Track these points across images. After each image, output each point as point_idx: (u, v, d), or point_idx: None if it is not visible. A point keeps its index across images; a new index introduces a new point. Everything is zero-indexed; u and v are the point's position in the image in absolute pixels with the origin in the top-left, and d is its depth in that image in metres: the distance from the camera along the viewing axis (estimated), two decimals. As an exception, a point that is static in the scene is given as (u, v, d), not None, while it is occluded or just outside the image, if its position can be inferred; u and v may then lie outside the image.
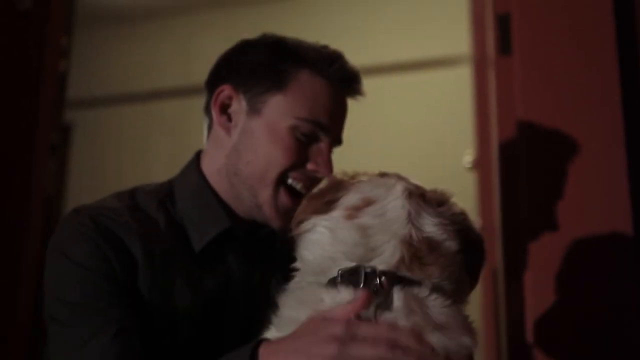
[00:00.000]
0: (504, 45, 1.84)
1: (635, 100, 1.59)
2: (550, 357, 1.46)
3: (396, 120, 3.81)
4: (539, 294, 1.51)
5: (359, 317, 0.94)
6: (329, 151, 1.24)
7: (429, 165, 3.59)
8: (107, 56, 4.51)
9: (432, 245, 1.00)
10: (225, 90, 1.25)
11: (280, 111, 1.21)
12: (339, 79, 1.26)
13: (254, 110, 1.23)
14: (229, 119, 1.25)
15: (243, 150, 1.23)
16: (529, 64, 1.64)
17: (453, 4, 3.59)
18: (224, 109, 1.26)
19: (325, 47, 1.30)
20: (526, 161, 1.60)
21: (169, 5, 4.44)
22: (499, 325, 2.03)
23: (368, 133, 3.67)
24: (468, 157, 2.66)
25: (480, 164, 2.45)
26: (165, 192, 1.27)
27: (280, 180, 1.21)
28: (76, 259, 1.12)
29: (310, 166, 1.22)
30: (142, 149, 4.37)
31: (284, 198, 1.21)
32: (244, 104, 1.24)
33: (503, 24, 1.85)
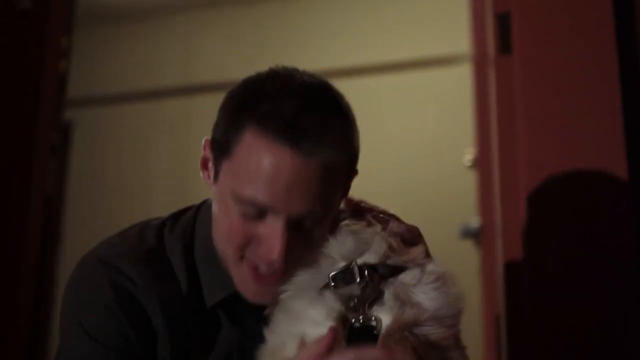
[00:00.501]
0: (504, 44, 1.84)
1: (635, 98, 1.59)
2: (549, 355, 1.46)
3: (396, 119, 3.81)
4: (538, 293, 1.51)
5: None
6: (281, 235, 0.99)
7: (428, 164, 3.60)
8: (107, 55, 4.51)
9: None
10: (206, 144, 1.11)
11: (228, 181, 1.03)
12: (294, 138, 0.97)
13: (215, 177, 1.07)
14: (209, 176, 1.10)
15: (215, 219, 1.11)
16: (529, 63, 1.64)
17: (453, 3, 3.59)
18: (204, 162, 1.11)
19: (293, 88, 1.03)
20: (526, 160, 1.60)
21: (169, 4, 4.43)
22: (499, 326, 2.03)
23: (367, 132, 3.66)
24: (468, 156, 2.66)
25: (480, 163, 2.45)
26: (190, 236, 1.16)
27: (240, 256, 1.05)
28: (94, 334, 1.07)
29: (261, 252, 1.02)
30: (143, 148, 4.37)
31: (247, 275, 1.06)
32: (212, 167, 1.09)
33: (503, 23, 1.85)
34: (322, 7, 4.17)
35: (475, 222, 2.52)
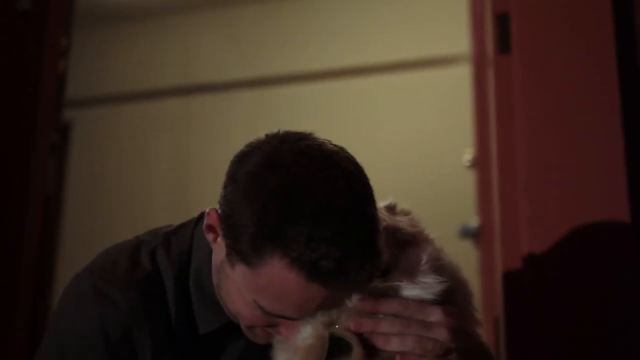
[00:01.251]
0: (503, 44, 1.84)
1: (634, 98, 1.59)
2: (548, 357, 1.46)
3: (395, 119, 3.81)
4: (537, 293, 1.51)
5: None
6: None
7: (428, 163, 3.60)
8: (106, 55, 4.52)
9: None
10: (212, 218, 1.06)
11: (245, 284, 1.01)
12: (326, 280, 0.95)
13: (228, 259, 1.03)
14: (215, 240, 1.07)
15: (222, 280, 1.08)
16: (528, 62, 1.64)
17: (452, 3, 3.59)
18: (212, 228, 1.07)
19: (332, 219, 0.95)
20: (525, 160, 1.60)
21: (169, 4, 4.43)
22: (498, 327, 2.04)
23: (366, 132, 3.67)
24: (467, 155, 2.66)
25: (479, 163, 2.45)
26: (186, 261, 1.15)
27: (250, 327, 1.08)
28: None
29: (282, 331, 1.04)
30: (142, 148, 4.38)
31: (260, 334, 1.09)
32: (224, 245, 1.04)
33: (502, 23, 1.85)
34: (321, 7, 4.17)
35: (474, 222, 2.52)
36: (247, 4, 4.28)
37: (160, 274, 1.13)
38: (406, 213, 1.16)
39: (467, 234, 2.54)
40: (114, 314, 1.07)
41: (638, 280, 1.46)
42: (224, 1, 4.36)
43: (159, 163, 4.29)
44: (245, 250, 0.98)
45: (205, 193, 4.33)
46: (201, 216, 1.19)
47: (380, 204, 1.11)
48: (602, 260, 1.49)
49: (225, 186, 1.05)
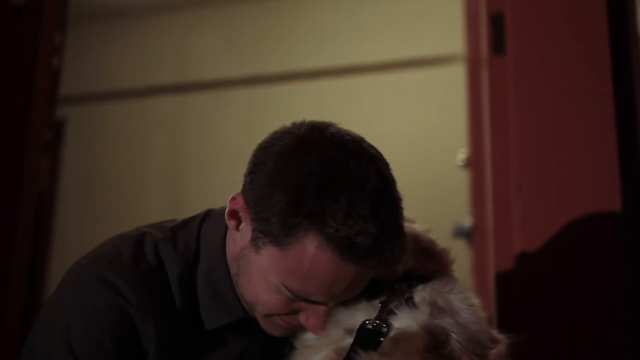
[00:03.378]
0: (497, 44, 1.84)
1: (627, 98, 1.60)
2: (540, 353, 1.47)
3: (388, 119, 3.81)
4: (529, 293, 1.51)
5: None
6: (325, 313, 1.05)
7: (422, 163, 3.60)
8: (101, 52, 4.50)
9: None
10: (238, 203, 1.06)
11: (273, 266, 1.02)
12: (361, 258, 0.98)
13: (254, 244, 1.04)
14: (237, 227, 1.08)
15: (242, 267, 1.08)
16: (522, 63, 1.65)
17: (447, 3, 3.60)
18: (235, 214, 1.08)
19: (368, 198, 0.98)
20: (519, 160, 1.60)
21: (164, 2, 4.43)
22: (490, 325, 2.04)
23: (361, 131, 3.65)
24: (461, 155, 2.66)
25: (473, 163, 2.46)
26: (193, 256, 1.14)
27: (269, 315, 1.09)
28: (76, 351, 1.04)
29: (301, 319, 1.06)
30: (137, 146, 4.36)
31: (277, 323, 1.10)
32: (249, 230, 1.05)
33: (496, 23, 1.86)
34: (316, 6, 4.17)
35: (467, 221, 2.52)
36: (242, 2, 4.28)
37: (164, 267, 1.12)
38: (412, 221, 1.17)
39: (461, 233, 2.55)
40: (120, 301, 1.06)
41: (628, 280, 1.47)
42: (219, 0, 4.35)
43: (153, 160, 4.28)
44: (276, 230, 0.99)
45: (200, 190, 4.33)
46: (207, 213, 1.19)
47: None
48: (593, 260, 1.50)
49: (251, 172, 1.07)
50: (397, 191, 1.05)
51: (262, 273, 1.04)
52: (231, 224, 1.08)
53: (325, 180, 0.98)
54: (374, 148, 1.07)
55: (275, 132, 1.08)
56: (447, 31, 3.57)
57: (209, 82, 4.25)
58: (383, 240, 0.98)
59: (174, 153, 4.28)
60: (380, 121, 3.71)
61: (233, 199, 1.07)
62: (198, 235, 1.16)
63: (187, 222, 1.19)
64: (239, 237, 1.08)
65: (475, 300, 1.09)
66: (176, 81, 4.33)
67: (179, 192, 4.09)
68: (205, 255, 1.13)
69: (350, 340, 1.02)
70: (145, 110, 4.41)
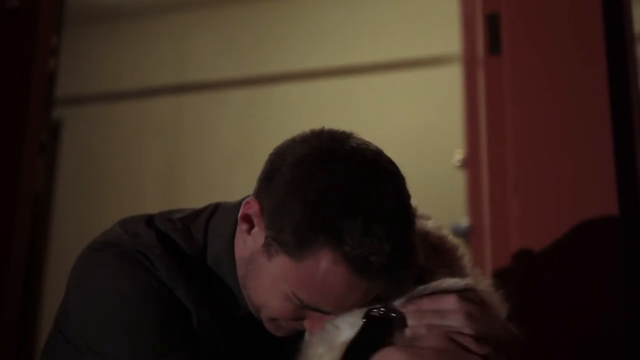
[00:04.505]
0: (493, 44, 1.85)
1: (623, 99, 1.60)
2: (535, 349, 1.47)
3: (386, 119, 3.82)
4: (526, 294, 1.51)
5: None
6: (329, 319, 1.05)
7: (418, 164, 3.59)
8: (98, 53, 4.50)
9: None
10: (253, 208, 1.05)
11: (284, 275, 1.01)
12: (375, 276, 0.98)
13: (266, 250, 1.03)
14: (248, 231, 1.07)
15: (251, 271, 1.07)
16: (518, 63, 1.65)
17: (442, 3, 3.60)
18: (248, 218, 1.07)
19: (385, 216, 0.98)
20: (515, 160, 1.60)
21: (161, 3, 4.42)
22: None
23: (358, 131, 3.65)
24: (457, 156, 2.67)
25: (469, 163, 2.46)
26: (200, 253, 1.13)
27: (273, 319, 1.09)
28: (145, 309, 1.03)
29: (306, 325, 1.06)
30: (134, 148, 4.36)
31: (281, 326, 1.09)
32: (261, 236, 1.04)
33: (492, 23, 1.86)
34: (313, 7, 4.17)
35: (464, 222, 2.53)
36: (239, 3, 4.28)
37: (182, 249, 1.11)
38: (427, 218, 1.18)
39: (458, 233, 2.55)
40: (155, 274, 1.05)
41: (625, 280, 1.47)
42: (216, 1, 4.35)
43: (150, 162, 4.28)
44: (291, 241, 0.98)
45: (197, 192, 4.32)
46: (216, 208, 1.18)
47: None
48: (590, 260, 1.50)
49: (267, 178, 1.05)
50: (411, 208, 1.05)
51: (272, 279, 1.03)
52: (243, 227, 1.08)
53: (342, 197, 0.98)
54: (391, 162, 1.06)
55: (294, 140, 1.06)
56: (443, 32, 3.57)
57: (206, 83, 4.25)
58: (397, 259, 0.97)
59: (171, 154, 4.28)
60: (376, 121, 3.71)
61: (247, 203, 1.06)
62: (205, 230, 1.15)
63: (196, 215, 1.17)
64: (250, 241, 1.07)
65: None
66: (173, 82, 4.32)
67: (176, 194, 4.09)
68: (212, 251, 1.13)
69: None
70: (142, 111, 4.41)
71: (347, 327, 1.01)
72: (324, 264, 0.97)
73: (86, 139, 4.39)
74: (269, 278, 1.04)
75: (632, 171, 1.55)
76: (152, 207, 1.22)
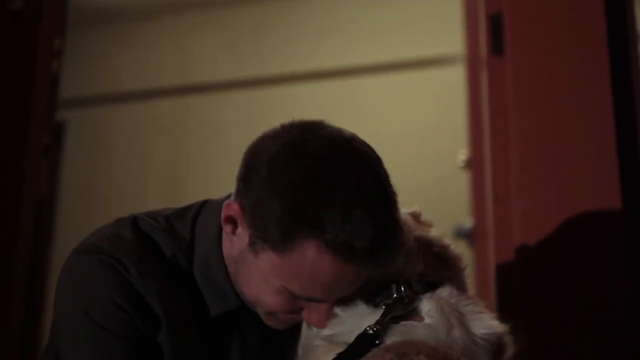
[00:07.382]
0: (496, 45, 1.84)
1: (626, 99, 1.60)
2: (539, 351, 1.47)
3: (388, 120, 3.81)
4: (530, 294, 1.51)
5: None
6: (326, 310, 1.06)
7: (422, 164, 3.61)
8: (102, 55, 4.50)
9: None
10: (233, 209, 1.06)
11: (273, 270, 1.02)
12: (361, 260, 0.99)
13: (252, 248, 1.04)
14: (233, 231, 1.08)
15: (241, 268, 1.09)
16: (521, 63, 1.65)
17: (446, 4, 3.59)
18: (231, 219, 1.07)
19: (364, 199, 0.98)
20: (519, 161, 1.60)
21: (164, 5, 4.43)
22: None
23: (360, 133, 3.65)
24: (461, 156, 2.66)
25: (473, 164, 2.46)
26: (187, 248, 1.14)
27: (270, 313, 1.10)
28: (102, 322, 1.05)
29: (304, 316, 1.08)
30: (137, 149, 4.36)
31: (279, 318, 1.11)
32: (246, 235, 1.05)
33: (495, 24, 1.86)
34: (316, 8, 4.17)
35: (468, 222, 2.52)
36: (242, 5, 4.28)
37: (162, 250, 1.13)
38: (430, 225, 1.18)
39: (461, 234, 2.55)
40: (123, 271, 1.07)
41: (629, 281, 1.47)
42: (219, 2, 4.35)
43: (154, 164, 4.28)
44: (274, 237, 1.00)
45: (200, 193, 4.30)
46: (203, 204, 1.19)
47: (404, 210, 1.12)
48: (594, 260, 1.50)
49: (244, 177, 1.06)
50: (391, 187, 1.05)
51: (262, 276, 1.05)
52: (227, 228, 1.09)
53: (319, 185, 0.99)
54: (365, 145, 1.07)
55: (266, 136, 1.08)
56: (446, 32, 3.57)
57: (209, 84, 4.25)
58: (381, 240, 0.99)
59: (175, 156, 4.28)
60: (380, 122, 3.71)
61: (227, 205, 1.07)
62: (193, 227, 1.16)
63: (182, 213, 1.18)
64: (236, 241, 1.08)
65: (484, 310, 1.10)
66: (176, 84, 4.33)
67: (180, 195, 4.09)
68: (200, 247, 1.14)
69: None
70: (145, 113, 4.41)
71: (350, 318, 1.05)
72: (310, 254, 0.98)
73: (89, 141, 4.39)
74: (259, 275, 1.05)
75: (635, 171, 1.55)
76: (156, 208, 1.23)
